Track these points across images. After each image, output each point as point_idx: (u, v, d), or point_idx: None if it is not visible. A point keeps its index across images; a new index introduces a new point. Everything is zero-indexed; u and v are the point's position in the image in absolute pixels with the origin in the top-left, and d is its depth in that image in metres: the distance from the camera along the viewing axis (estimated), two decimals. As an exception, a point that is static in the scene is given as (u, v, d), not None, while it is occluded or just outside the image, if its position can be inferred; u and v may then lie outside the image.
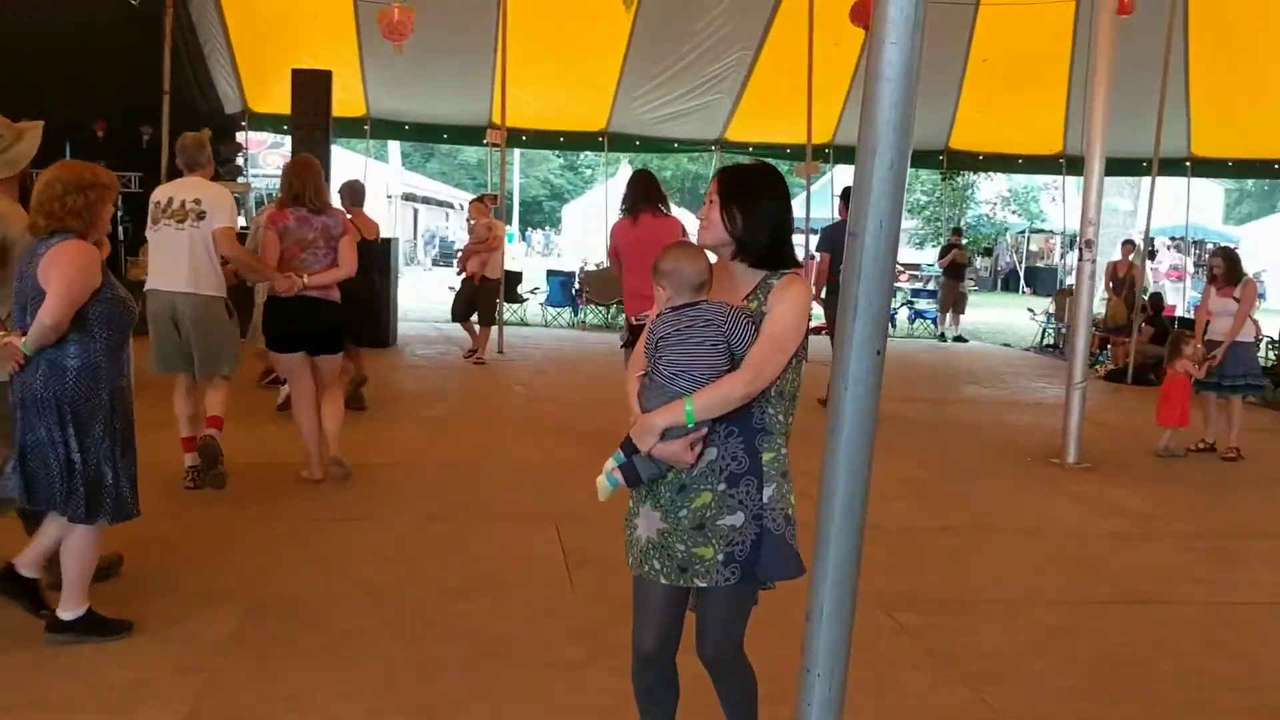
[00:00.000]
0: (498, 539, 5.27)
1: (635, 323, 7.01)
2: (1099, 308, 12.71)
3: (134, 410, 3.96)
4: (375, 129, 15.81)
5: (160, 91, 11.89)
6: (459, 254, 13.24)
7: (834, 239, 9.03)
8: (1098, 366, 12.82)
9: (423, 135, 18.07)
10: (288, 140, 13.85)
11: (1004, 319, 20.20)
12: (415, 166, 41.06)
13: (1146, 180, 14.48)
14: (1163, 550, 5.76)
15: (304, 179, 5.84)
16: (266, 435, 7.02)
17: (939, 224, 29.32)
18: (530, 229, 44.44)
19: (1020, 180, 31.20)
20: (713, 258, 2.67)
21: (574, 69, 14.49)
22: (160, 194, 5.70)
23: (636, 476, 2.58)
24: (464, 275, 11.59)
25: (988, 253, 32.18)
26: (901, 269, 23.09)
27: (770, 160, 16.87)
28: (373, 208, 12.36)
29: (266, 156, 25.17)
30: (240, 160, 14.98)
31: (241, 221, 7.13)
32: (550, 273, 17.70)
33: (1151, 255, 19.22)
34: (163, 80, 11.93)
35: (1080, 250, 7.91)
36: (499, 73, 12.52)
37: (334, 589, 4.45)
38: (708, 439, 2.54)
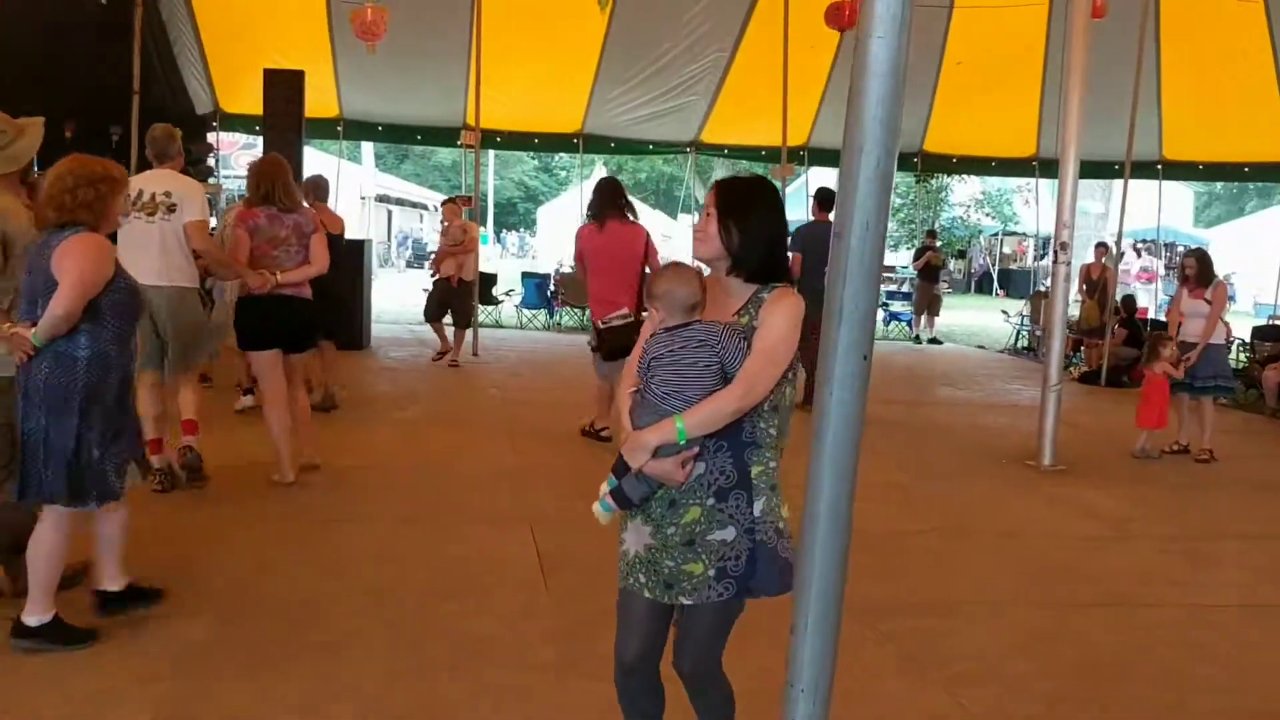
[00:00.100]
0: (473, 541, 5.22)
1: (602, 326, 6.98)
2: (1073, 310, 12.76)
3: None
4: (348, 130, 15.67)
5: (130, 91, 11.72)
6: (432, 256, 13.14)
7: (806, 239, 9.02)
8: (1071, 369, 12.87)
9: (396, 136, 17.92)
10: (260, 141, 13.69)
11: (978, 321, 20.27)
12: (389, 168, 40.84)
13: (1118, 183, 14.59)
14: (1139, 552, 5.79)
15: (273, 178, 5.80)
16: (238, 438, 6.90)
17: (913, 226, 29.35)
18: (505, 231, 44.31)
19: (994, 183, 31.39)
20: (705, 269, 2.65)
21: (549, 70, 14.40)
22: (130, 186, 5.60)
23: (628, 499, 2.57)
24: (436, 276, 11.51)
25: (961, 255, 32.28)
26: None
27: (745, 162, 16.94)
28: (346, 209, 12.25)
29: (238, 157, 24.87)
30: (211, 161, 14.79)
31: (212, 222, 7.04)
32: (525, 275, 17.59)
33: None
34: (133, 80, 11.76)
35: (1055, 253, 7.94)
36: (473, 74, 12.41)
37: (310, 591, 4.38)
38: (697, 454, 2.52)
